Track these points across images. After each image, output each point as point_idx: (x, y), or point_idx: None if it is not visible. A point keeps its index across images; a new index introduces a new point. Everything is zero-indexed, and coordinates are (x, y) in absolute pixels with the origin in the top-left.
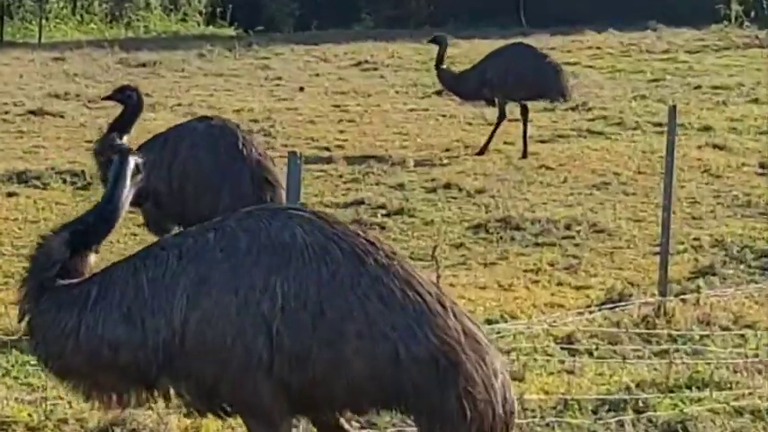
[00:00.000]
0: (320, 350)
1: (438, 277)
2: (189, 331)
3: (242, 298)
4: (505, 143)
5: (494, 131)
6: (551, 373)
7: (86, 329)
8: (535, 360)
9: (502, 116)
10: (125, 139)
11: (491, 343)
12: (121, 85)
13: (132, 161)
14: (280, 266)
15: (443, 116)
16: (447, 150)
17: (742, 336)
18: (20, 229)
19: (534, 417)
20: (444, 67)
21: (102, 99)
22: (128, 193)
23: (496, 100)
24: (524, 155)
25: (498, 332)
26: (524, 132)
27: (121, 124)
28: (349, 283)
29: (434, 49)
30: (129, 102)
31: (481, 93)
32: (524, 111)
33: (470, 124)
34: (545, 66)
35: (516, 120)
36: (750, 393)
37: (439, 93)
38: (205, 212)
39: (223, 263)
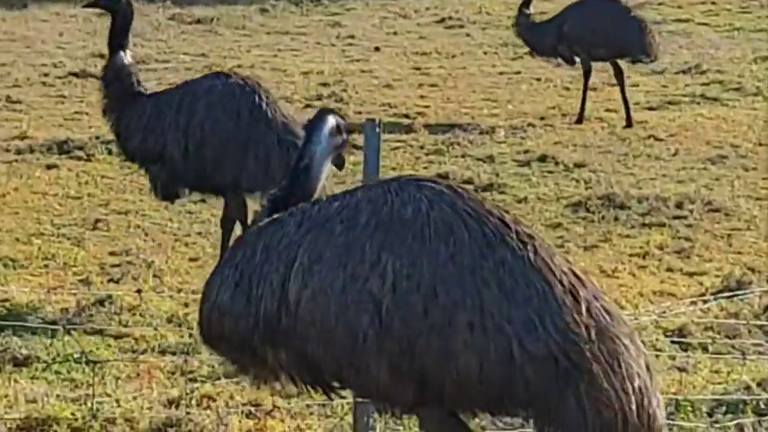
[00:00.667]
0: (429, 338)
1: None
2: (292, 304)
3: (349, 273)
4: (608, 111)
5: (584, 94)
6: (661, 371)
7: (212, 292)
8: None
9: (587, 74)
10: (128, 54)
11: (635, 344)
12: None
13: (331, 120)
14: (394, 243)
15: (537, 80)
16: (542, 119)
17: None
18: (60, 205)
19: None
20: (529, 12)
21: (83, 7)
22: (324, 153)
23: (576, 58)
24: (629, 124)
25: None
26: (623, 97)
27: (118, 38)
28: (469, 266)
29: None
30: (117, 6)
31: (557, 49)
32: (618, 72)
33: (567, 89)
34: (628, 21)
35: (616, 84)
36: None
37: (533, 53)
38: (227, 179)
39: (340, 236)
